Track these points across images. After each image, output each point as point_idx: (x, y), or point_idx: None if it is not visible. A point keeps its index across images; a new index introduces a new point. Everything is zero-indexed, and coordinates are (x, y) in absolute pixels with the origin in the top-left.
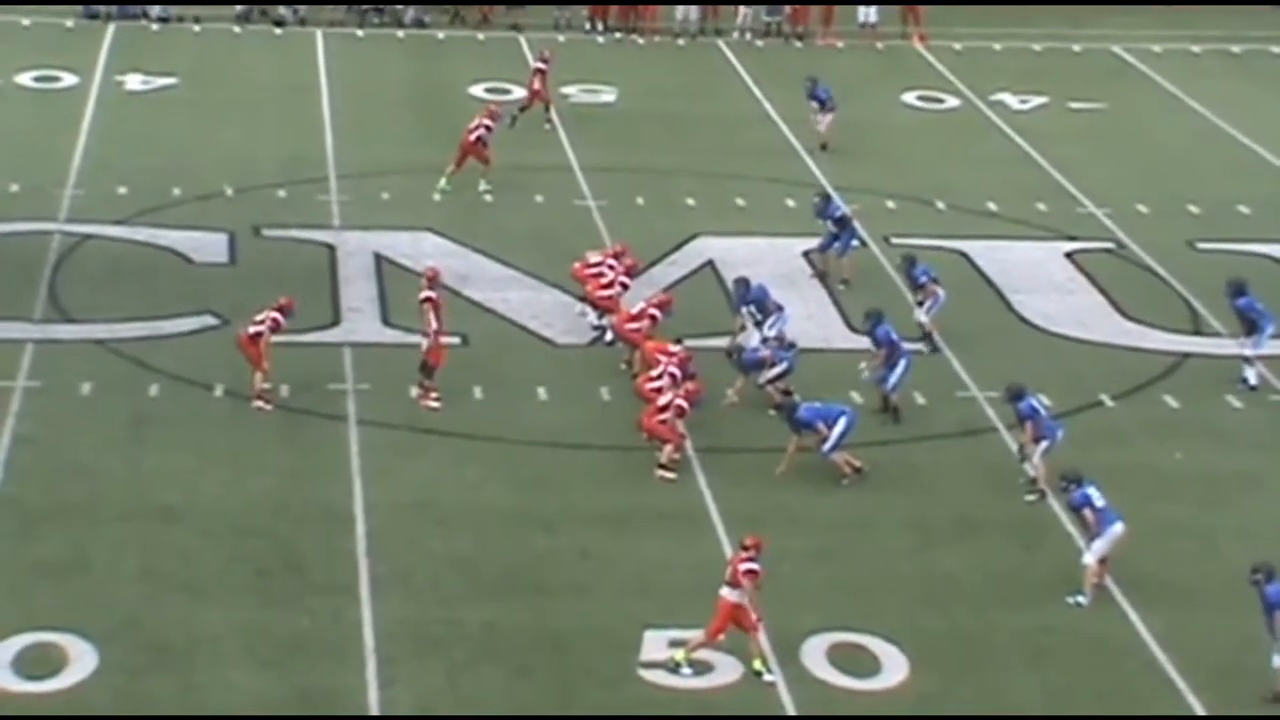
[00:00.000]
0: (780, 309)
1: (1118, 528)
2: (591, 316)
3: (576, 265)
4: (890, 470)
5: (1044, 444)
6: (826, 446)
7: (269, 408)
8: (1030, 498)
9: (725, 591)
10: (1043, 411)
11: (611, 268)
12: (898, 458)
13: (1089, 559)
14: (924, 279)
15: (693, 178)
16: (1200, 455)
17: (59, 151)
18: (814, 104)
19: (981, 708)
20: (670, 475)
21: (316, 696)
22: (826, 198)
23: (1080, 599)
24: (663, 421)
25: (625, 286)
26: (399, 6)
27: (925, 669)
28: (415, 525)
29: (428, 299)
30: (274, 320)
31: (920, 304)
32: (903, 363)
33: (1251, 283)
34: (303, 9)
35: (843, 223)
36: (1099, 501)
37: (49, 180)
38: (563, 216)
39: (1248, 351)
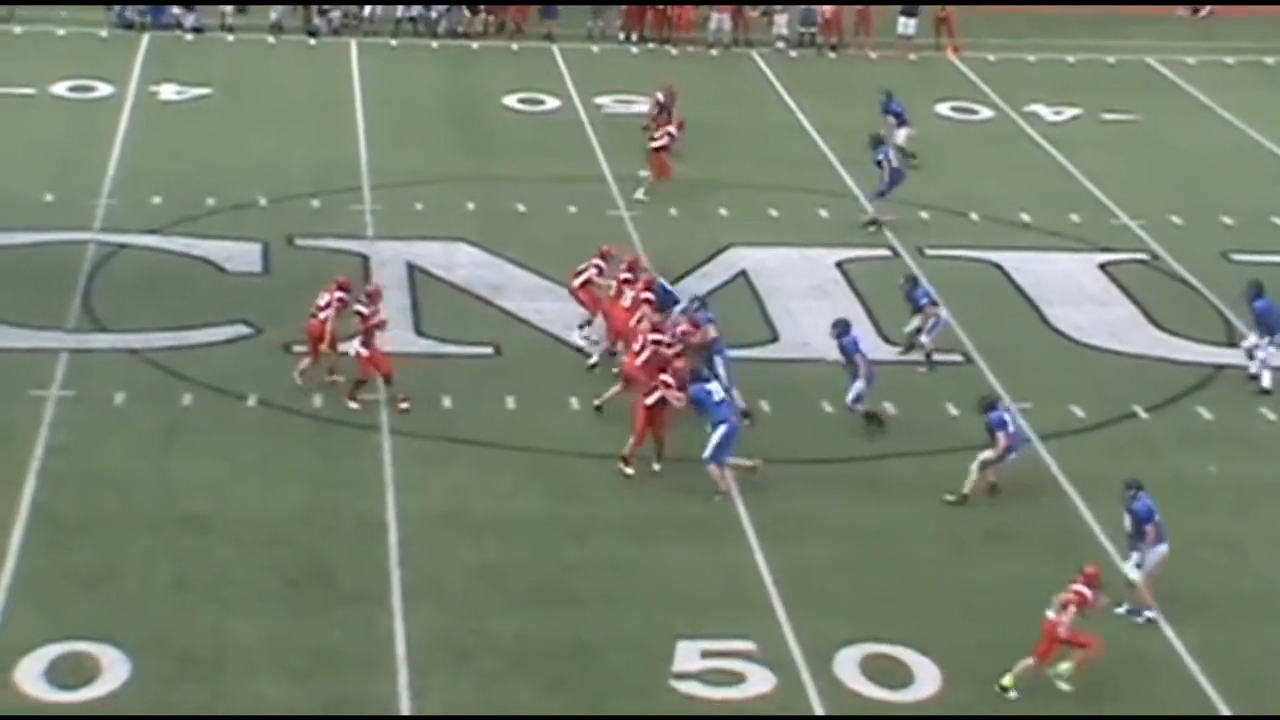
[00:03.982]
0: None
1: (1164, 548)
2: (577, 336)
3: (577, 283)
4: (921, 481)
5: (1012, 456)
6: (705, 454)
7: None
8: (950, 498)
9: (1050, 613)
10: (1010, 425)
11: (628, 281)
12: (929, 468)
13: (1136, 575)
14: (924, 301)
15: (726, 188)
16: (1233, 467)
17: (94, 161)
18: (889, 119)
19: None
20: (628, 470)
21: (347, 707)
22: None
23: (1149, 614)
24: (643, 365)
25: (650, 303)
26: (433, 16)
27: (958, 680)
28: (446, 535)
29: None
30: (339, 300)
31: (919, 329)
32: (861, 382)
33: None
34: (336, 18)
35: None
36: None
37: (84, 190)
38: (596, 227)
39: (1261, 354)
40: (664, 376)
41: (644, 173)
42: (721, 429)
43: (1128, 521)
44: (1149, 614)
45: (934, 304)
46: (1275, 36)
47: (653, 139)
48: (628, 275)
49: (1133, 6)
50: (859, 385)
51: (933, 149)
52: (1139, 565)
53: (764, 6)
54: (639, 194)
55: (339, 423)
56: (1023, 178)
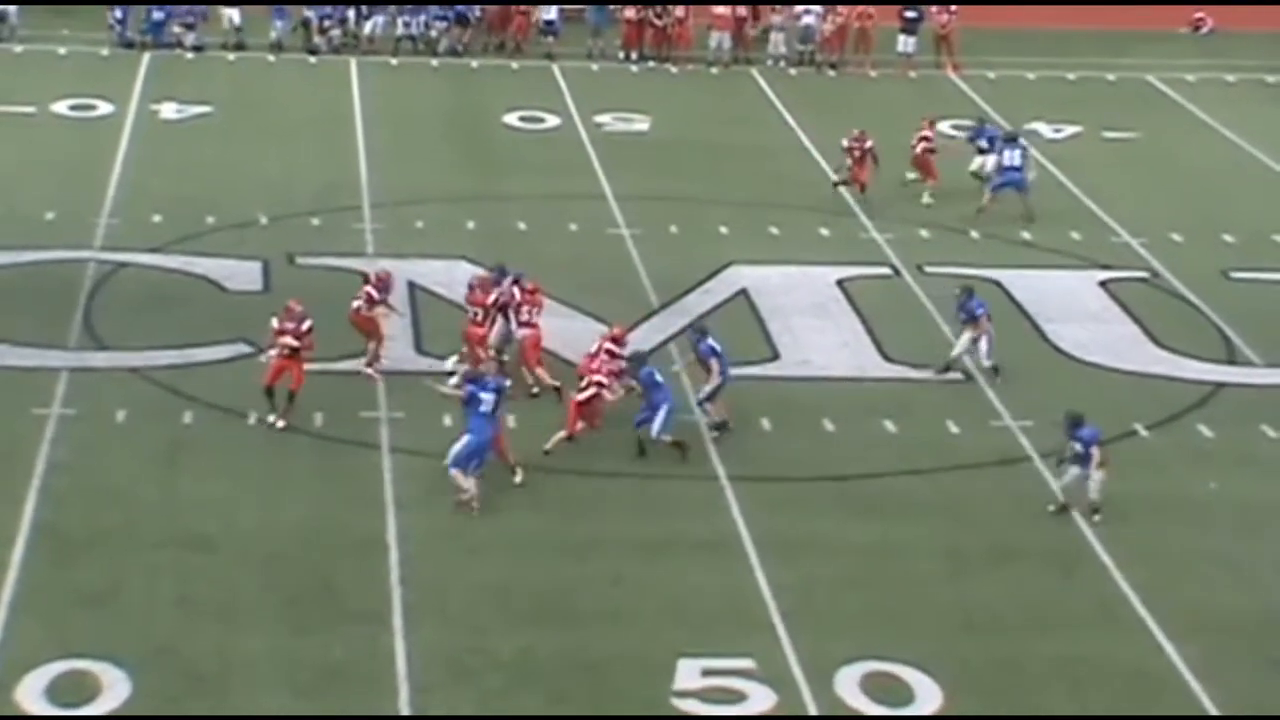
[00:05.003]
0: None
1: None
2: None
3: (474, 330)
4: (924, 498)
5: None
6: (448, 459)
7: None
8: (1097, 519)
9: None
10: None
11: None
12: (931, 486)
13: None
14: (980, 311)
15: (726, 206)
16: (1235, 485)
17: (94, 180)
18: (983, 143)
19: None
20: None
21: None
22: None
23: None
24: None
25: (611, 353)
26: (433, 34)
27: (959, 698)
28: (448, 553)
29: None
30: (368, 294)
31: (975, 340)
32: (665, 408)
33: None
34: (336, 36)
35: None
36: None
37: (84, 208)
38: (596, 245)
39: None
40: (597, 377)
41: (912, 176)
42: (467, 438)
43: None
44: None
45: (989, 318)
46: (1276, 55)
47: (921, 149)
48: (492, 298)
49: (1134, 24)
50: (660, 417)
51: None
52: None
53: (762, 24)
54: (926, 198)
55: (340, 441)
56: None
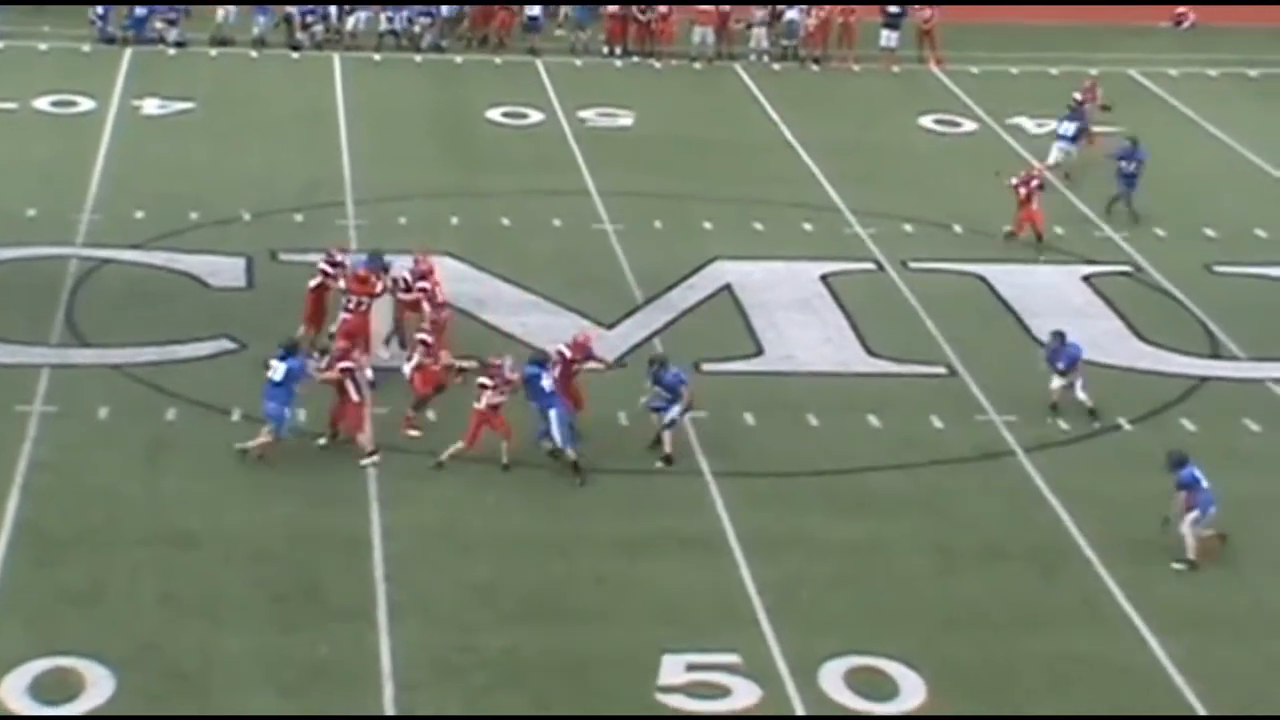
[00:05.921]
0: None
1: None
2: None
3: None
4: (908, 493)
5: (1194, 514)
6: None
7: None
8: (1178, 566)
9: None
10: (1202, 482)
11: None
12: (916, 482)
13: None
14: (1077, 353)
15: (710, 201)
16: (1219, 479)
17: (76, 176)
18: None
19: None
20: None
21: None
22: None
23: None
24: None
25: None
26: (416, 30)
27: (944, 693)
28: (434, 551)
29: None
30: (322, 271)
31: (1069, 382)
32: (553, 414)
33: (1267, 307)
34: (319, 32)
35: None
36: None
37: (66, 205)
38: (581, 240)
39: None
40: (481, 378)
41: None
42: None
43: None
44: None
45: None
46: (1258, 49)
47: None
48: (379, 288)
49: (1116, 19)
50: (552, 423)
51: (916, 162)
52: None
53: (744, 20)
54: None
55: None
56: (1006, 190)
